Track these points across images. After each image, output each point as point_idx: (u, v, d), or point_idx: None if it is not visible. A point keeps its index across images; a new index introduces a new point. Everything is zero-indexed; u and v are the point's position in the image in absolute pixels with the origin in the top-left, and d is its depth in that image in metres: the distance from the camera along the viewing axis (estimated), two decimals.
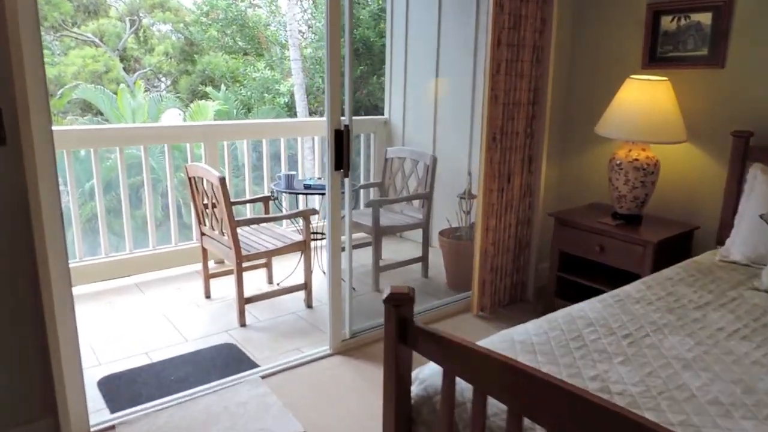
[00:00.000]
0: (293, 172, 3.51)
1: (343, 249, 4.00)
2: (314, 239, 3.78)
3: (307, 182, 3.57)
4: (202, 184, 3.20)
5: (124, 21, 16.82)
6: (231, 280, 3.61)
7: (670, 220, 2.93)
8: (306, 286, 3.39)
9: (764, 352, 1.55)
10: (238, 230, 3.13)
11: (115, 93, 12.09)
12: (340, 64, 2.43)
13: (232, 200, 3.04)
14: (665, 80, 2.71)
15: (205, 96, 14.01)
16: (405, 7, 4.65)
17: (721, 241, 2.58)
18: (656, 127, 2.67)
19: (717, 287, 2.05)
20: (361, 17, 12.61)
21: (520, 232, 3.27)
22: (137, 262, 3.87)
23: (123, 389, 2.50)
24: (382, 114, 5.04)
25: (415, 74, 4.68)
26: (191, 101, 13.92)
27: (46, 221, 1.86)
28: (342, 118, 2.47)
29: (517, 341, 1.56)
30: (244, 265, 3.11)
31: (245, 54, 14.47)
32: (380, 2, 11.73)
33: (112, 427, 2.21)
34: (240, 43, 14.34)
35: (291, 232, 3.51)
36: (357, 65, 12.86)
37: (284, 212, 3.91)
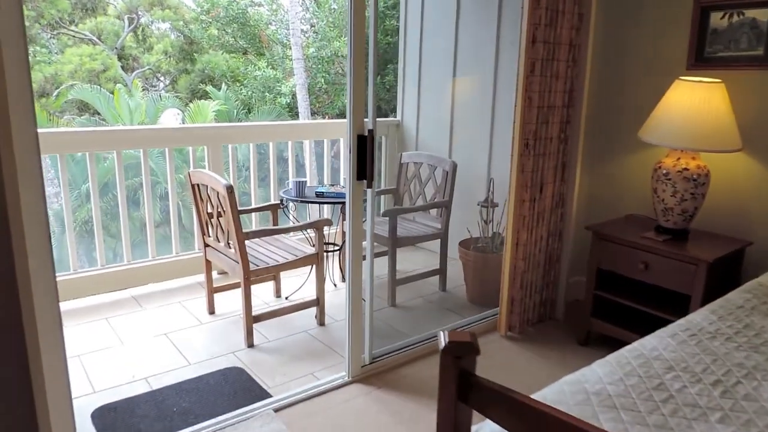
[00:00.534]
0: (304, 179, 3.26)
1: (333, 250, 3.76)
2: (326, 250, 3.53)
3: (320, 189, 3.32)
4: (207, 191, 2.95)
5: (123, 19, 16.55)
6: (236, 293, 3.36)
7: (719, 236, 2.69)
8: (318, 302, 3.14)
9: None
10: (246, 242, 2.87)
11: (112, 93, 11.83)
12: (365, 62, 2.17)
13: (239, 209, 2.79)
14: (719, 82, 2.46)
15: (204, 95, 13.76)
16: (420, 2, 4.40)
17: None
18: (709, 134, 2.42)
19: None
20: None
21: (551, 246, 3.02)
22: (136, 273, 3.61)
23: (120, 423, 2.24)
24: (387, 116, 4.79)
25: (431, 74, 4.44)
26: (190, 101, 13.66)
27: (29, 234, 1.60)
28: (365, 119, 2.22)
29: (591, 393, 1.31)
30: (251, 278, 2.86)
31: (245, 53, 14.21)
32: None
33: None
34: (241, 41, 14.07)
35: (300, 242, 3.26)
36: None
37: (291, 221, 3.66)
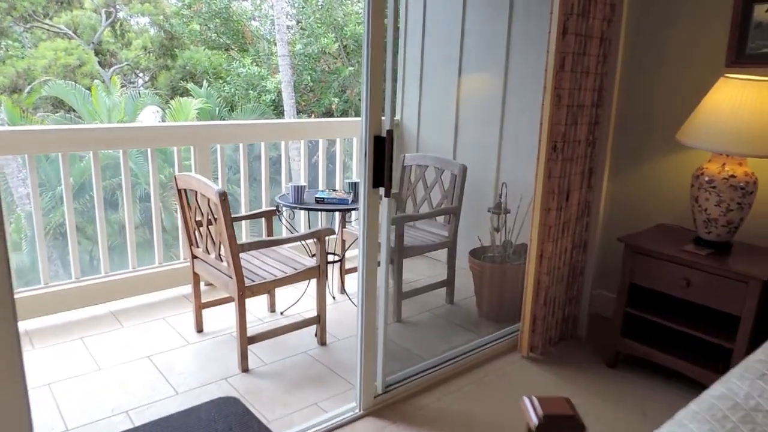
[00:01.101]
0: (303, 184, 2.96)
1: (334, 261, 3.45)
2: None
3: (320, 195, 3.02)
4: (196, 198, 2.64)
5: (100, 13, 15.99)
6: (226, 309, 3.06)
7: (765, 249, 2.46)
8: (319, 320, 2.84)
9: None
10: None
11: (89, 89, 11.34)
12: (383, 52, 1.89)
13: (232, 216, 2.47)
14: None
15: (185, 93, 13.31)
16: None
17: None
18: (760, 137, 2.19)
19: None
20: (352, 12, 12.06)
21: (575, 258, 2.77)
22: (114, 286, 3.28)
23: None
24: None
25: (434, 71, 4.16)
26: (171, 98, 13.21)
27: None
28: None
29: None
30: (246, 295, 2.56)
31: (227, 49, 13.79)
32: None
33: None
34: (223, 37, 13.66)
35: (297, 253, 2.96)
36: (347, 63, 12.31)
37: (287, 229, 3.36)
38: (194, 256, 2.85)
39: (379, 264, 2.16)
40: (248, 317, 2.86)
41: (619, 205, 2.98)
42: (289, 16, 12.58)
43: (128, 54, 16.47)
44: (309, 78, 12.00)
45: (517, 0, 3.49)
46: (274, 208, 3.12)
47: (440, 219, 3.47)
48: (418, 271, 3.89)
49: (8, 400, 1.38)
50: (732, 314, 2.22)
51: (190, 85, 12.57)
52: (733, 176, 2.27)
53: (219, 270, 2.64)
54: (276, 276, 2.64)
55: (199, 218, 2.70)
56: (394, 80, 1.94)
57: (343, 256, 3.32)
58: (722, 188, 2.28)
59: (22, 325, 2.98)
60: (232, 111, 12.49)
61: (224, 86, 12.89)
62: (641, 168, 2.90)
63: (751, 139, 2.19)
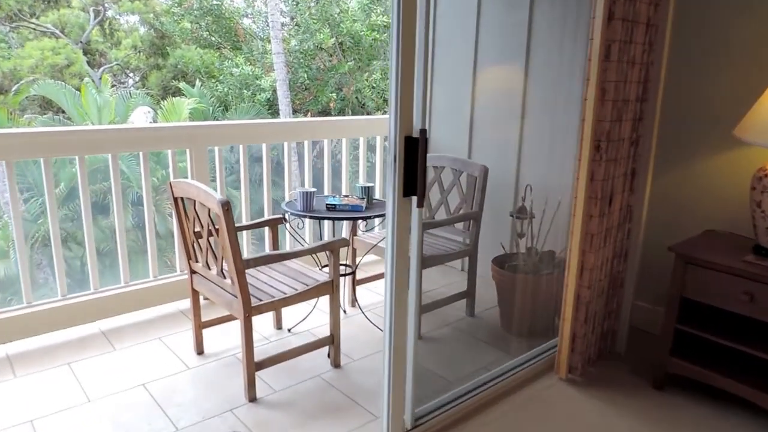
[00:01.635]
0: (313, 189, 2.68)
1: (346, 274, 3.19)
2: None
3: (331, 201, 2.75)
4: (194, 207, 2.36)
5: (88, 11, 15.62)
6: (229, 327, 2.79)
7: None
8: (333, 340, 2.57)
9: None
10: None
11: (78, 89, 10.99)
12: (414, 39, 1.62)
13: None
14: None
15: (177, 92, 12.98)
16: None
17: None
18: None
19: None
20: (347, 8, 11.77)
21: (615, 268, 2.51)
22: (105, 303, 2.99)
23: None
24: (370, 112, 4.25)
25: (445, 65, 3.89)
26: (163, 98, 12.88)
27: None
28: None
29: None
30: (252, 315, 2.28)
31: (218, 48, 13.46)
32: None
33: None
34: (215, 35, 13.32)
35: (306, 265, 2.69)
36: (344, 61, 12.02)
37: (294, 238, 3.08)
38: (193, 271, 2.58)
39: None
40: (254, 337, 2.59)
41: (662, 210, 2.72)
42: (283, 13, 12.28)
43: (118, 53, 16.10)
44: (305, 76, 11.70)
45: None
46: (280, 216, 2.84)
47: (459, 225, 3.21)
48: (433, 280, 3.62)
49: None
50: None
51: (182, 85, 12.24)
52: None
53: (221, 287, 2.36)
54: (285, 293, 2.37)
55: (197, 229, 2.42)
56: (426, 72, 1.67)
57: (356, 267, 3.04)
58: None
59: (3, 350, 2.69)
60: (226, 111, 12.18)
61: (217, 86, 12.57)
62: (687, 168, 2.64)
63: None
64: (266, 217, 3.50)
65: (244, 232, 3.24)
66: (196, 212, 2.36)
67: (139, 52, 15.91)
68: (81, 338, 2.85)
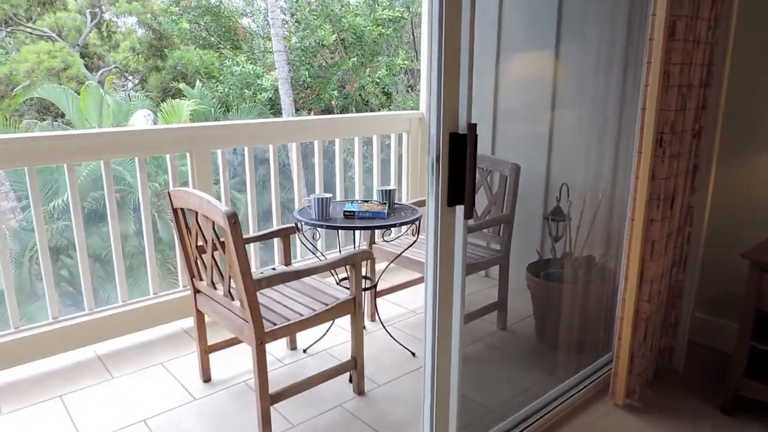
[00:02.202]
0: (328, 195, 2.39)
1: (368, 288, 2.90)
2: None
3: (349, 207, 2.46)
4: (196, 219, 2.07)
5: (85, 14, 15.35)
6: (239, 350, 2.51)
7: None
8: (356, 365, 2.29)
9: None
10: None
11: (78, 92, 10.71)
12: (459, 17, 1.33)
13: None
14: None
15: (177, 94, 12.70)
16: None
17: None
18: None
19: None
20: (348, 3, 11.46)
21: (674, 277, 2.22)
22: (101, 325, 2.71)
23: None
24: (374, 109, 3.95)
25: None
26: (162, 100, 12.59)
27: None
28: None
29: None
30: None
31: (218, 47, 13.16)
32: None
33: None
34: (215, 35, 13.02)
35: (322, 281, 2.40)
36: (347, 57, 11.71)
37: (307, 249, 2.79)
38: (196, 290, 2.29)
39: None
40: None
41: (726, 211, 2.41)
42: (282, 10, 11.98)
43: (116, 56, 15.83)
44: (307, 73, 11.40)
45: None
46: (293, 225, 2.55)
47: (487, 229, 2.92)
48: None
49: None
50: None
51: (182, 86, 11.95)
52: None
53: (230, 310, 2.08)
54: (302, 314, 2.08)
55: (200, 243, 2.14)
56: (470, 57, 1.38)
57: (377, 280, 2.75)
58: None
59: None
60: (228, 112, 11.90)
61: (217, 86, 12.27)
62: (756, 163, 2.33)
63: None
64: (275, 225, 3.23)
65: (253, 244, 2.97)
66: (198, 225, 2.08)
67: (138, 54, 15.65)
68: (75, 365, 2.57)
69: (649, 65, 1.82)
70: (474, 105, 3.64)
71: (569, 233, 2.76)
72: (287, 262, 2.59)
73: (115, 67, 15.53)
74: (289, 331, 2.03)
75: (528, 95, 3.27)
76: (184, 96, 11.48)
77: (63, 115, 13.32)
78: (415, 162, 3.89)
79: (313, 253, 2.64)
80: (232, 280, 1.98)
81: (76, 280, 9.37)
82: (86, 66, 14.98)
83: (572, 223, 2.79)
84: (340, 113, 11.85)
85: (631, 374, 2.11)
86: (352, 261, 2.15)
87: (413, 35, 12.33)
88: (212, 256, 2.06)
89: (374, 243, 2.87)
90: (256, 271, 3.15)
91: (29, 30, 14.36)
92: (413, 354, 2.64)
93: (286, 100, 11.06)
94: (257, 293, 1.93)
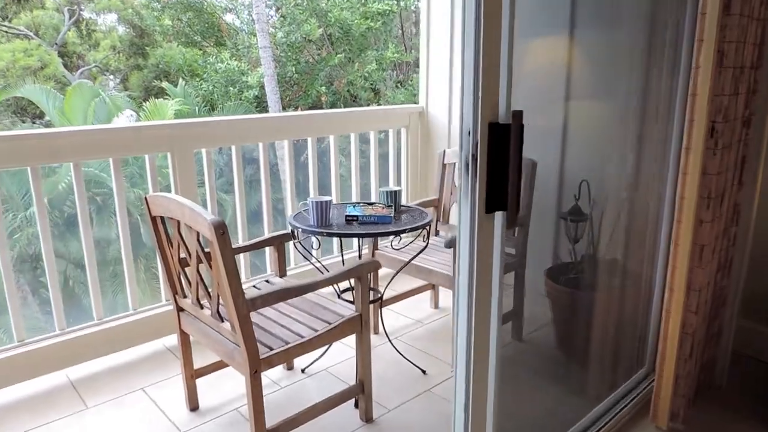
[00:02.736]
0: (328, 198, 2.12)
1: (374, 301, 2.64)
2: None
3: (351, 211, 2.19)
4: (178, 229, 1.80)
5: (63, 12, 14.87)
6: (229, 372, 2.23)
7: None
8: (363, 389, 2.03)
9: None
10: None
11: (60, 93, 10.30)
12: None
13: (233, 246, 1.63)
14: None
15: (160, 93, 12.32)
16: None
17: None
18: None
19: None
20: None
21: (719, 284, 1.98)
22: (75, 346, 2.42)
23: None
24: (363, 105, 3.69)
25: None
26: (145, 100, 12.20)
27: None
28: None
29: None
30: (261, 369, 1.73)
31: (201, 45, 12.78)
32: None
33: None
34: (198, 31, 12.64)
35: (324, 296, 2.13)
36: (334, 53, 11.42)
37: (308, 260, 2.52)
38: (180, 308, 2.02)
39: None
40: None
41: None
42: (267, 5, 11.64)
43: (96, 55, 15.38)
44: (294, 69, 11.09)
45: None
46: (287, 231, 2.28)
47: None
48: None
49: None
50: None
51: (165, 84, 11.58)
52: None
53: (219, 332, 1.81)
54: (302, 336, 1.81)
55: (184, 255, 1.86)
56: (511, 28, 1.12)
57: (383, 292, 2.49)
58: None
59: None
60: (213, 110, 11.55)
61: (201, 84, 11.91)
62: None
63: None
64: (266, 230, 2.96)
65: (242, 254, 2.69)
66: (181, 235, 1.80)
67: (118, 52, 15.22)
68: (44, 393, 2.29)
69: (700, 43, 1.58)
70: None
71: (592, 234, 2.52)
72: (282, 272, 2.32)
73: (96, 66, 15.10)
74: (287, 356, 1.77)
75: (541, 83, 3.02)
76: (167, 95, 11.11)
77: (41, 116, 12.89)
78: (415, 159, 3.63)
79: (312, 263, 2.37)
80: (221, 298, 1.71)
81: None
82: (65, 65, 14.53)
83: (592, 224, 2.55)
84: (331, 109, 11.56)
85: (675, 395, 1.87)
86: (358, 273, 1.88)
87: (402, 29, 12.08)
88: (197, 271, 1.79)
89: (377, 249, 2.61)
90: (247, 281, 2.88)
91: (5, 29, 13.88)
92: (424, 372, 2.38)
93: (272, 97, 10.75)
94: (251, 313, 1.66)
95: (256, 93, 11.09)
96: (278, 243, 2.28)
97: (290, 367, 2.43)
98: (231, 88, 11.58)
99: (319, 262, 2.42)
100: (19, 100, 12.48)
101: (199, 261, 1.76)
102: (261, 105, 11.46)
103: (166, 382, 2.34)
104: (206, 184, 2.75)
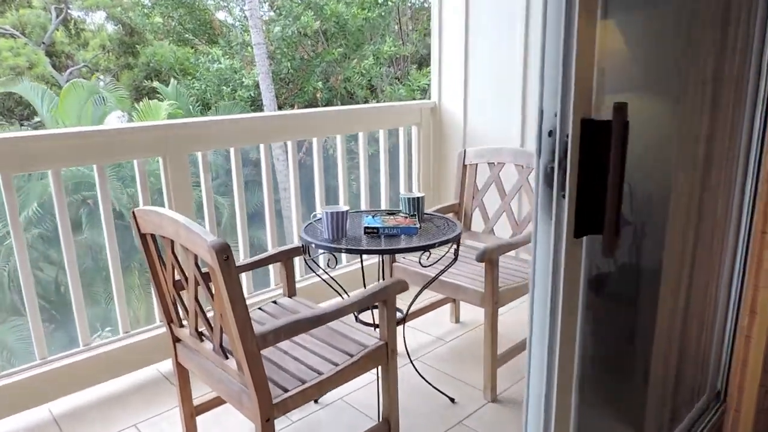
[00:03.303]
0: (344, 208, 1.85)
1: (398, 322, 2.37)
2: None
3: (370, 222, 1.92)
4: (172, 250, 1.52)
5: (50, 10, 14.50)
6: (233, 409, 1.97)
7: None
8: (389, 427, 1.76)
9: None
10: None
11: (53, 91, 9.97)
12: None
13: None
14: None
15: (151, 93, 12.00)
16: None
17: None
18: None
19: None
20: None
21: None
22: (58, 377, 2.15)
23: None
24: (359, 103, 3.43)
25: (485, 36, 3.09)
26: (137, 100, 11.87)
27: None
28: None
29: None
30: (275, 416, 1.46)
31: (191, 42, 12.45)
32: None
33: None
34: (189, 29, 12.31)
35: (344, 322, 1.86)
36: (329, 48, 11.12)
37: (323, 280, 2.24)
38: (176, 338, 1.75)
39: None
40: None
41: None
42: (261, 1, 11.33)
43: (85, 54, 15.03)
44: (289, 65, 10.78)
45: None
46: (297, 246, 2.01)
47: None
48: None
49: None
50: None
51: (156, 84, 11.25)
52: None
53: (224, 370, 1.54)
54: (320, 372, 1.55)
55: (179, 276, 1.59)
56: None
57: (407, 311, 2.22)
58: None
59: None
60: (207, 110, 11.24)
61: (194, 83, 11.58)
62: None
63: None
64: (269, 241, 2.69)
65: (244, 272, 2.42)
66: (175, 256, 1.53)
67: (108, 52, 14.88)
68: (25, 429, 2.01)
69: None
70: (497, 93, 3.12)
71: (638, 242, 2.26)
72: (291, 291, 2.05)
73: (85, 65, 14.75)
74: (304, 399, 1.50)
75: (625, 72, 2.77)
76: (158, 95, 10.79)
77: (29, 118, 12.53)
78: (427, 160, 3.37)
79: (324, 280, 2.09)
80: (224, 331, 1.44)
81: (48, 293, 8.70)
82: (53, 65, 14.18)
83: (639, 230, 2.29)
84: (326, 107, 11.26)
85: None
86: (384, 296, 1.62)
87: (399, 23, 11.78)
88: (195, 299, 1.52)
89: (395, 261, 2.34)
90: (250, 296, 2.61)
91: None
92: (452, 400, 2.12)
93: (267, 95, 10.44)
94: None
95: (252, 93, 10.77)
96: (286, 259, 2.01)
97: None
98: (224, 88, 11.27)
99: (328, 274, 2.15)
100: (5, 101, 12.13)
101: (197, 284, 1.49)
102: (255, 104, 11.16)
103: (162, 417, 2.07)
104: (203, 191, 2.48)
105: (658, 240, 1.73)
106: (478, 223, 2.59)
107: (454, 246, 1.96)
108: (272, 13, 11.64)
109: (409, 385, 2.22)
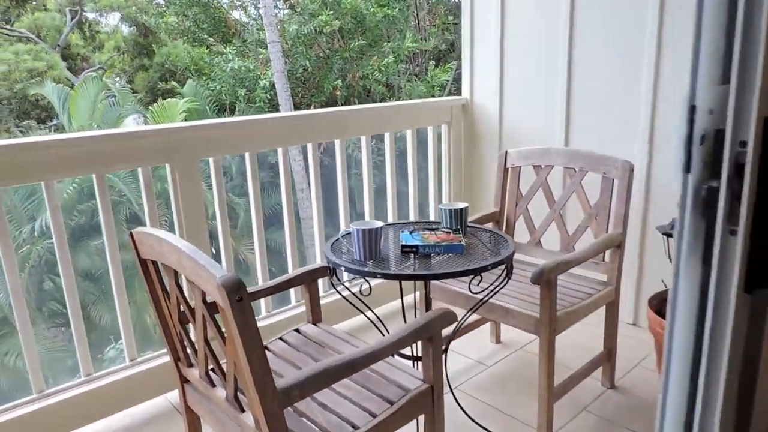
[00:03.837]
0: (378, 224, 1.59)
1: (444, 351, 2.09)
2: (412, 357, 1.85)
3: (408, 239, 1.65)
4: (175, 280, 1.27)
5: (65, 13, 14.45)
6: None
7: None
8: None
9: None
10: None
11: (70, 90, 9.87)
12: None
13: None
14: None
15: (167, 94, 11.84)
16: None
17: None
18: None
19: None
20: None
21: None
22: (57, 412, 1.92)
23: None
24: (376, 100, 3.15)
25: (523, 30, 2.80)
26: (153, 101, 11.73)
27: None
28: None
29: None
30: None
31: (206, 42, 12.26)
32: None
33: None
34: (204, 29, 12.12)
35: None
36: (347, 45, 10.85)
37: (356, 307, 1.98)
38: (184, 379, 1.49)
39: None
40: None
41: None
42: None
43: (101, 56, 14.95)
44: (307, 63, 10.53)
45: None
46: (322, 265, 1.75)
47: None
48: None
49: None
50: None
51: (173, 84, 11.09)
52: None
53: (238, 425, 1.28)
54: (357, 427, 1.28)
55: (184, 308, 1.33)
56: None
57: (450, 338, 1.95)
58: None
59: None
60: (223, 112, 11.05)
61: (209, 83, 11.39)
62: None
63: None
64: (291, 265, 2.43)
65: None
66: (179, 288, 1.28)
67: (123, 53, 14.78)
68: None
69: None
70: (536, 87, 2.82)
71: None
72: (315, 318, 1.79)
73: (101, 67, 14.67)
74: None
75: (613, 68, 2.46)
76: (179, 94, 10.62)
77: (45, 121, 12.48)
78: (458, 162, 3.09)
79: (355, 306, 1.82)
80: (239, 382, 1.18)
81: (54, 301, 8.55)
82: (69, 68, 14.12)
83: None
84: (344, 105, 11.01)
85: None
86: (430, 332, 1.35)
87: (417, 18, 11.48)
88: (205, 339, 1.26)
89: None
90: (268, 316, 2.36)
91: (6, 32, 13.47)
92: None
93: (283, 95, 10.21)
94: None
95: (269, 94, 10.54)
96: (310, 281, 1.75)
97: None
98: (240, 90, 11.05)
99: (357, 297, 1.88)
100: (21, 104, 12.09)
101: (205, 323, 1.24)
102: (272, 104, 10.94)
103: None
104: (215, 202, 2.23)
105: None
106: (521, 233, 2.31)
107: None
108: (287, 11, 11.41)
109: (449, 419, 1.95)
